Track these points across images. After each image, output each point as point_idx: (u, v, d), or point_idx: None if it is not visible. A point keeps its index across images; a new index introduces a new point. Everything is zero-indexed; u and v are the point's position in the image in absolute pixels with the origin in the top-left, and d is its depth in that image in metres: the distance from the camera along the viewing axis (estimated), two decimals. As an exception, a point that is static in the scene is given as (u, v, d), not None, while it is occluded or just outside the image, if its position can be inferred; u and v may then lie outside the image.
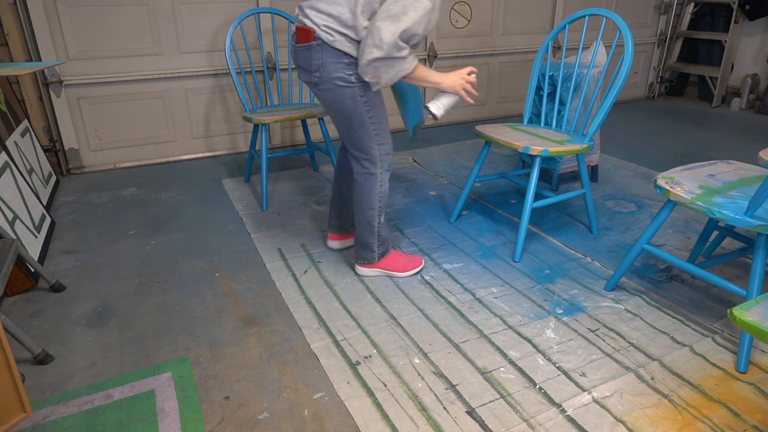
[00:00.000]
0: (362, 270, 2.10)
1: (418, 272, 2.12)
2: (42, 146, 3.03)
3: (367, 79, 1.74)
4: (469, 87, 1.87)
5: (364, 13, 1.68)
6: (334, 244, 2.30)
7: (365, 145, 1.89)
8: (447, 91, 1.88)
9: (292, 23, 1.84)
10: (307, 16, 1.77)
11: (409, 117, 2.18)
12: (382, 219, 2.02)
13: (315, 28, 1.73)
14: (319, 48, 1.74)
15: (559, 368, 1.61)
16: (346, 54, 1.74)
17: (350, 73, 1.77)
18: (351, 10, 1.69)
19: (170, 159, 3.47)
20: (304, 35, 1.76)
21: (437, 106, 1.86)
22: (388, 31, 1.61)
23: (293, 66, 1.91)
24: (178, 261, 2.24)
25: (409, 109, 2.15)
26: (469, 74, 1.87)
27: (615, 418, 1.43)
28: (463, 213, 2.67)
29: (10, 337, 1.60)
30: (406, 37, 1.65)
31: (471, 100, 1.88)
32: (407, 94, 2.11)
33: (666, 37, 5.08)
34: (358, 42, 1.71)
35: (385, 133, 1.92)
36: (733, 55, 4.76)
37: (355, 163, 1.95)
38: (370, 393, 1.52)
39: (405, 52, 1.67)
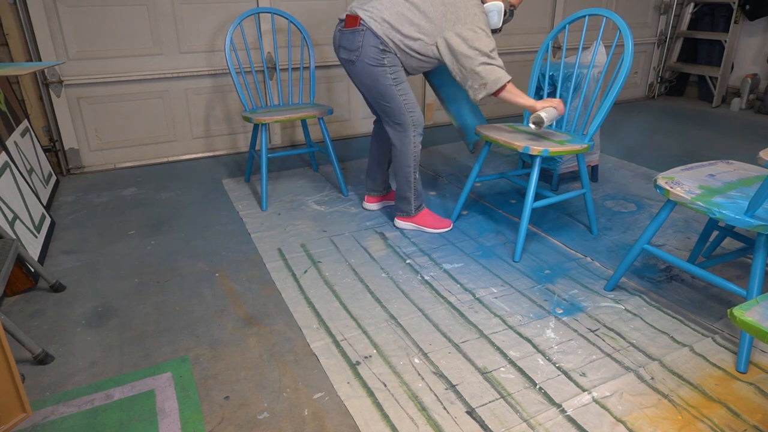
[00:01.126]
0: (400, 223, 2.47)
1: (446, 231, 2.46)
2: (42, 146, 3.03)
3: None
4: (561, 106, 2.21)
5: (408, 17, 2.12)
6: (372, 205, 2.68)
7: (398, 113, 2.24)
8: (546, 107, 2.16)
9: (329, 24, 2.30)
10: (357, 6, 2.16)
11: (468, 133, 2.60)
12: (417, 175, 2.36)
13: (362, 14, 2.12)
14: (362, 33, 2.12)
15: (559, 368, 1.61)
16: (381, 42, 2.12)
17: (382, 57, 2.15)
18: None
19: (170, 159, 3.47)
20: (351, 21, 2.15)
21: (541, 117, 2.13)
22: (479, 63, 2.07)
23: (337, 46, 2.22)
24: (178, 261, 2.24)
25: (467, 126, 2.56)
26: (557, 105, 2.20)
27: (615, 418, 1.43)
28: (463, 213, 2.67)
29: (10, 337, 1.60)
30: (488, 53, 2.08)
31: (564, 111, 2.22)
32: (464, 111, 2.56)
33: (666, 37, 5.08)
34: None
35: (413, 103, 2.25)
36: (733, 55, 4.76)
37: (391, 129, 2.30)
38: (370, 393, 1.52)
39: (496, 62, 2.10)
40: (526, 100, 2.17)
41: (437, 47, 2.12)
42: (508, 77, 2.10)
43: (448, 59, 2.11)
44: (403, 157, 2.32)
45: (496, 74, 2.08)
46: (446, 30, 2.09)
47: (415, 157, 2.32)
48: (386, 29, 2.11)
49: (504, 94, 2.12)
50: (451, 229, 2.49)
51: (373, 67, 2.15)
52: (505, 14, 2.19)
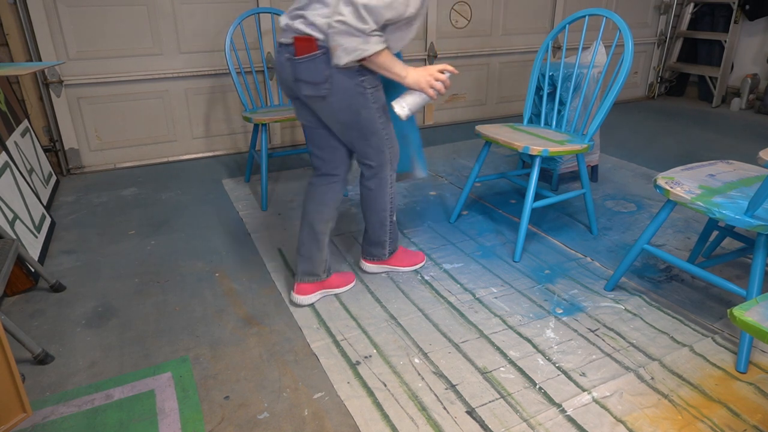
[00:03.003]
0: (369, 267, 2.09)
1: (420, 267, 2.14)
2: (42, 146, 3.03)
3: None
4: (437, 84, 1.67)
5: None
6: (303, 299, 1.90)
7: (377, 152, 1.80)
8: (412, 88, 1.69)
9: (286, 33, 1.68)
10: (303, 21, 1.59)
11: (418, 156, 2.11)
12: (394, 217, 2.00)
13: (317, 34, 1.57)
14: (325, 57, 1.58)
15: (559, 368, 1.61)
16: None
17: (362, 78, 1.63)
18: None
19: (170, 159, 3.47)
20: (305, 45, 1.58)
21: (401, 105, 1.69)
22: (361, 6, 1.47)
23: (291, 80, 1.69)
24: (178, 261, 2.24)
25: (414, 147, 2.08)
26: (441, 71, 1.69)
27: (615, 418, 1.43)
28: (463, 213, 2.67)
29: (10, 337, 1.60)
30: (370, 13, 1.49)
31: (435, 97, 1.70)
32: (408, 132, 2.04)
33: (666, 37, 5.08)
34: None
35: (392, 134, 1.84)
36: (733, 55, 4.76)
37: (366, 170, 1.87)
38: (370, 393, 1.52)
39: (366, 27, 1.50)
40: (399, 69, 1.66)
41: None
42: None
43: None
44: (378, 200, 1.92)
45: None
46: None
47: (392, 199, 1.94)
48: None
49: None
50: (450, 230, 2.49)
51: (355, 97, 1.65)
52: None
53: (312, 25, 1.57)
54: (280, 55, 1.69)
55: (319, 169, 1.89)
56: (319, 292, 1.94)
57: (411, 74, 1.66)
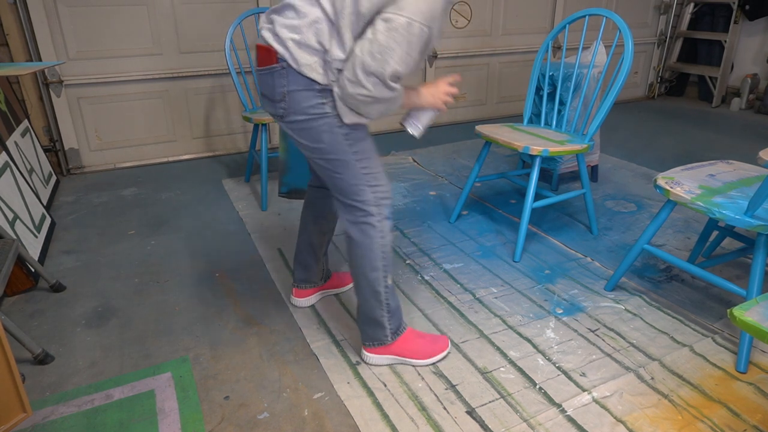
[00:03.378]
0: (372, 357, 1.63)
1: (443, 358, 1.65)
2: (42, 146, 3.03)
3: (346, 113, 1.39)
4: (449, 99, 1.57)
5: (348, 28, 1.30)
6: (301, 301, 1.90)
7: (353, 189, 1.47)
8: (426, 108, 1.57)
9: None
10: (270, 29, 1.40)
11: (288, 174, 1.84)
12: (389, 281, 1.55)
13: (277, 46, 1.36)
14: (283, 72, 1.36)
15: (559, 368, 1.61)
16: (314, 80, 1.35)
17: (324, 101, 1.38)
18: (330, 20, 1.31)
19: (170, 159, 3.47)
20: (264, 56, 1.39)
21: (415, 126, 1.57)
22: (377, 73, 1.28)
23: (259, 91, 1.52)
24: (178, 261, 2.24)
25: (291, 167, 1.82)
26: (451, 83, 1.58)
27: (615, 418, 1.43)
28: (463, 213, 2.67)
29: (10, 337, 1.60)
30: (398, 77, 1.31)
31: (445, 109, 1.60)
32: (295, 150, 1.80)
33: (666, 37, 5.08)
34: (334, 67, 1.34)
35: (377, 171, 1.49)
36: (733, 55, 4.76)
37: (345, 212, 1.51)
38: (370, 393, 1.52)
39: (395, 93, 1.34)
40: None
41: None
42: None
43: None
44: (366, 255, 1.50)
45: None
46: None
47: (384, 255, 1.52)
48: (314, 53, 1.34)
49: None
50: (450, 230, 2.49)
51: (313, 119, 1.40)
52: None
53: (276, 35, 1.37)
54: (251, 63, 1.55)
55: (317, 181, 1.77)
56: (318, 293, 1.94)
57: (424, 97, 1.54)
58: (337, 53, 1.33)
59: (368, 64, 1.27)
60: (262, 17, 1.47)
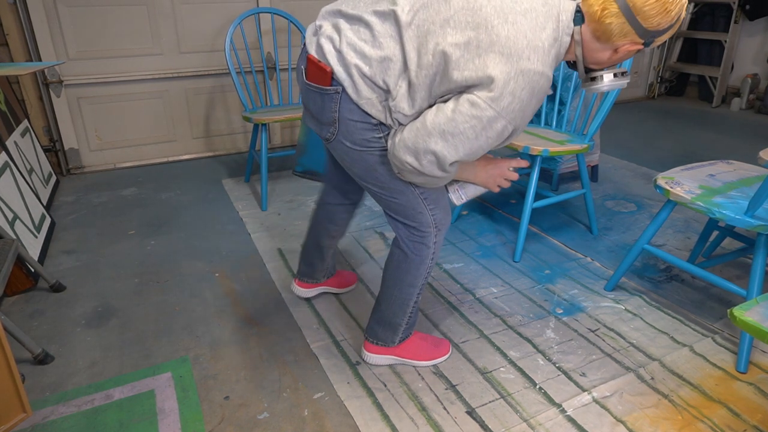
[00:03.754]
0: (373, 357, 1.62)
1: (443, 361, 1.65)
2: (42, 146, 3.03)
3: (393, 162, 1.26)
4: (505, 184, 1.43)
5: (426, 86, 1.17)
6: (303, 291, 1.91)
7: (412, 213, 1.40)
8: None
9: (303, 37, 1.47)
10: (332, 40, 1.24)
11: (305, 155, 1.87)
12: (419, 298, 1.55)
13: (339, 68, 1.22)
14: (337, 97, 1.24)
15: (559, 368, 1.61)
16: (369, 113, 1.25)
17: (380, 135, 1.27)
18: (406, 65, 1.17)
19: (170, 159, 3.47)
20: (318, 74, 1.24)
21: (458, 196, 1.47)
22: (439, 154, 1.17)
23: (303, 97, 1.36)
24: (178, 261, 2.24)
25: (310, 150, 1.87)
26: (514, 169, 1.47)
27: (615, 418, 1.43)
28: (463, 213, 2.67)
29: (10, 337, 1.60)
30: (456, 163, 1.21)
31: (497, 191, 1.48)
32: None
33: (666, 37, 5.07)
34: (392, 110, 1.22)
35: (437, 197, 1.41)
36: (733, 55, 4.76)
37: (401, 229, 1.45)
38: (370, 393, 1.52)
39: (447, 176, 1.25)
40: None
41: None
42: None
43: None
44: (409, 273, 1.48)
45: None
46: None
47: (426, 275, 1.50)
48: (377, 90, 1.22)
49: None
50: (450, 230, 2.48)
51: (365, 152, 1.31)
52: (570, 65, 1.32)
53: (340, 54, 1.22)
54: (300, 58, 1.36)
55: (333, 187, 1.68)
56: (319, 288, 1.94)
57: (480, 175, 1.41)
58: (403, 106, 1.19)
59: (435, 142, 1.15)
60: (323, 14, 1.30)
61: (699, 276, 1.74)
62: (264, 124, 2.66)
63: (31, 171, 2.63)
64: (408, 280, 1.48)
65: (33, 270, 2.01)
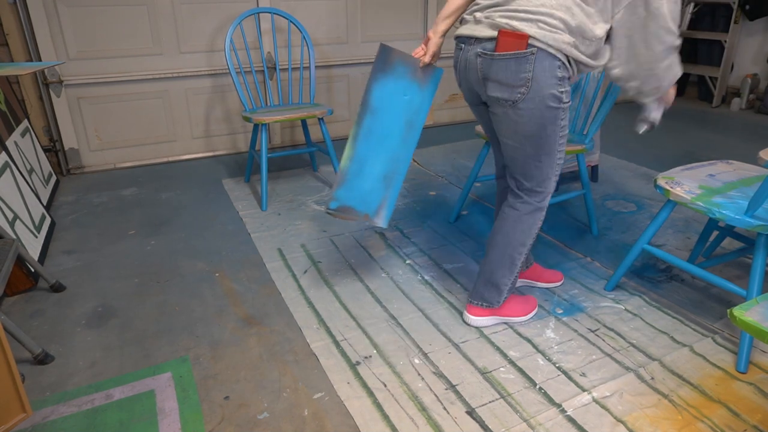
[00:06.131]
0: (476, 320, 1.77)
1: (533, 316, 1.83)
2: (42, 146, 3.03)
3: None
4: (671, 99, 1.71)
5: (599, 13, 1.43)
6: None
7: (544, 178, 1.61)
8: (659, 103, 1.68)
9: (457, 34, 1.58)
10: (508, 15, 1.44)
11: (345, 188, 1.74)
12: (523, 258, 1.72)
13: (531, 29, 1.40)
14: (532, 58, 1.41)
15: (559, 368, 1.61)
16: (561, 65, 1.43)
17: (562, 90, 1.46)
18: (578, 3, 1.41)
19: (170, 159, 3.47)
20: (513, 41, 1.40)
21: (655, 118, 1.70)
22: (672, 10, 1.41)
23: (479, 78, 1.53)
24: (178, 261, 2.24)
25: (357, 185, 1.75)
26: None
27: (615, 418, 1.43)
28: (463, 213, 2.67)
29: (10, 337, 1.60)
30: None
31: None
32: (395, 173, 1.79)
33: (666, 37, 5.07)
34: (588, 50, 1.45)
35: (560, 165, 1.63)
36: (733, 55, 4.76)
37: (524, 193, 1.65)
38: (370, 393, 1.52)
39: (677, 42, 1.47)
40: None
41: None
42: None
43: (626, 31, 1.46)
44: (523, 233, 1.67)
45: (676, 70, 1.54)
46: None
47: (534, 235, 1.69)
48: (569, 38, 1.42)
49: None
50: (450, 230, 2.49)
51: (547, 108, 1.48)
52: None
53: (527, 19, 1.41)
54: (465, 52, 1.53)
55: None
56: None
57: (671, 90, 1.65)
58: (594, 31, 1.42)
59: (674, 9, 1.40)
60: (475, 8, 1.53)
61: (699, 276, 1.74)
62: (264, 124, 2.66)
63: (31, 171, 2.63)
64: (518, 239, 1.67)
65: (33, 270, 2.01)
